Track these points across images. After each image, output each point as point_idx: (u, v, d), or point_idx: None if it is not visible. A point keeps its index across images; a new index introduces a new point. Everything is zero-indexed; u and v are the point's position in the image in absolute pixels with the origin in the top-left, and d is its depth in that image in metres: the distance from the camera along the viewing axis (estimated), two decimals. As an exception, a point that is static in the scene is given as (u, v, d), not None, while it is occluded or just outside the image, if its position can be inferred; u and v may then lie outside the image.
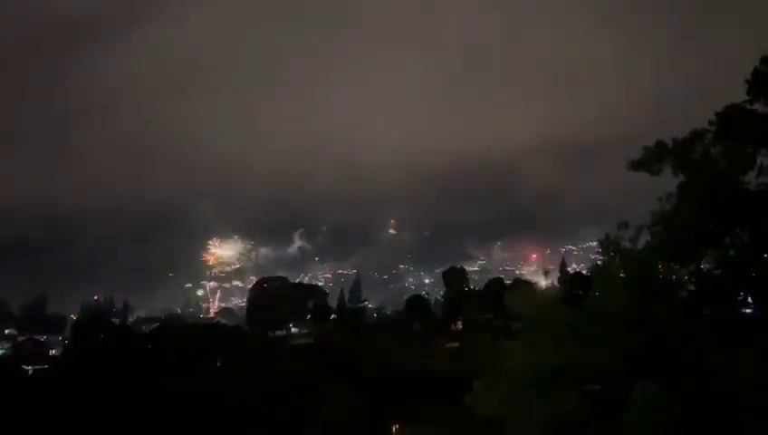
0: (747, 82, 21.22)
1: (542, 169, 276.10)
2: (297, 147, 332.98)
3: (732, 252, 21.67)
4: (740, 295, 22.79)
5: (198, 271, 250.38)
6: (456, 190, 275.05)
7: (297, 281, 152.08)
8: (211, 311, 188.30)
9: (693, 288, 22.22)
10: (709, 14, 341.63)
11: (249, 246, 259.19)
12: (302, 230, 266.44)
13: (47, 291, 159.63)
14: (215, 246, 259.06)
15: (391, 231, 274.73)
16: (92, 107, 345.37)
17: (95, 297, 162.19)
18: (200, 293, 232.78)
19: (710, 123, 21.56)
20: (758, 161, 20.98)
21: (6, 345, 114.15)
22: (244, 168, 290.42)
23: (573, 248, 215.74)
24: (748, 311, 23.23)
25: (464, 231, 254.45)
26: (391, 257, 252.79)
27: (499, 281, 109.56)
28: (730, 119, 21.30)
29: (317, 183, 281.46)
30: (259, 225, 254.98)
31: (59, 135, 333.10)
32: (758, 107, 20.94)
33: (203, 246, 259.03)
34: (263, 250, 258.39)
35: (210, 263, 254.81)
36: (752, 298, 22.72)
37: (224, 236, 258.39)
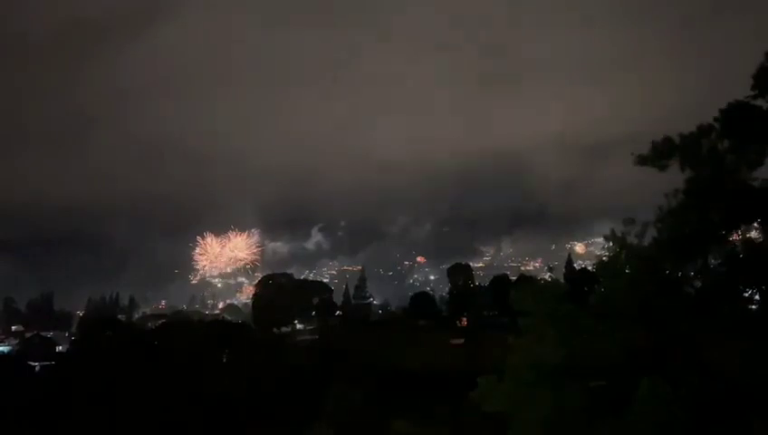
0: (753, 77, 21.07)
1: (555, 166, 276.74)
2: (312, 143, 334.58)
3: (739, 248, 21.55)
4: (747, 292, 22.68)
5: (204, 267, 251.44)
6: (467, 187, 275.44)
7: (302, 277, 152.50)
8: (216, 307, 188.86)
9: (699, 284, 22.11)
10: (720, 12, 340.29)
11: (258, 242, 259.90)
12: (320, 226, 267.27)
13: (54, 287, 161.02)
14: (222, 243, 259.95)
15: (399, 227, 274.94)
16: (111, 105, 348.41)
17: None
18: (206, 290, 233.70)
19: (715, 119, 21.44)
20: (765, 158, 20.83)
21: (14, 341, 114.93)
22: (259, 165, 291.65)
23: (579, 244, 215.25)
24: (754, 307, 23.12)
25: (472, 227, 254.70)
26: (398, 254, 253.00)
27: (504, 277, 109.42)
28: (735, 115, 21.18)
29: (331, 179, 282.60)
30: (272, 222, 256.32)
31: (73, 133, 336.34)
32: (762, 103, 20.79)
33: (209, 243, 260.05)
34: (276, 246, 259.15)
35: (216, 260, 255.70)
36: (759, 295, 22.60)
37: (235, 232, 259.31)
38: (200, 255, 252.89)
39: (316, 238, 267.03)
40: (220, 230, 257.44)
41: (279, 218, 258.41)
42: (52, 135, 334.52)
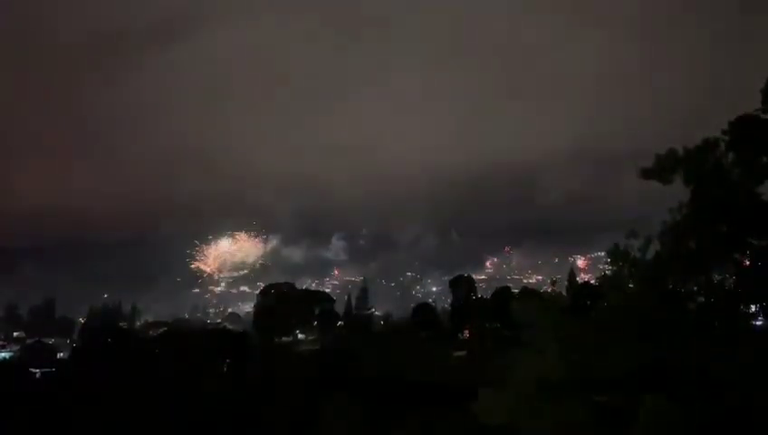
0: (762, 92, 21.05)
1: (563, 178, 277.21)
2: (329, 154, 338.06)
3: (744, 263, 21.42)
4: (751, 308, 22.53)
5: (208, 275, 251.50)
6: (475, 198, 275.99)
7: (304, 287, 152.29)
8: (218, 316, 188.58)
9: (702, 300, 21.96)
10: (738, 30, 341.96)
11: (261, 251, 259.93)
12: (339, 234, 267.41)
13: (56, 294, 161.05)
14: (226, 251, 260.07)
15: (406, 238, 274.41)
16: (130, 115, 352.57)
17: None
18: (208, 298, 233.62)
19: (723, 132, 21.38)
20: None
21: (15, 347, 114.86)
22: (274, 175, 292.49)
23: (582, 257, 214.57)
24: (759, 323, 22.98)
25: (477, 239, 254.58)
26: (401, 265, 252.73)
27: (507, 289, 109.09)
28: (743, 128, 21.12)
29: (344, 190, 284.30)
30: (286, 231, 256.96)
31: (89, 142, 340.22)
32: None
33: (214, 251, 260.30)
34: (287, 255, 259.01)
35: (220, 268, 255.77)
36: (763, 310, 22.45)
37: (244, 240, 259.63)
38: (207, 260, 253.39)
39: (335, 247, 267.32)
40: (230, 238, 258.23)
41: (291, 228, 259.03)
42: (68, 142, 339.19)
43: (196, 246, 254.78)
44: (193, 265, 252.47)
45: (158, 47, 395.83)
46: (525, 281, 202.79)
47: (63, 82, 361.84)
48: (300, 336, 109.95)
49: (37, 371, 75.92)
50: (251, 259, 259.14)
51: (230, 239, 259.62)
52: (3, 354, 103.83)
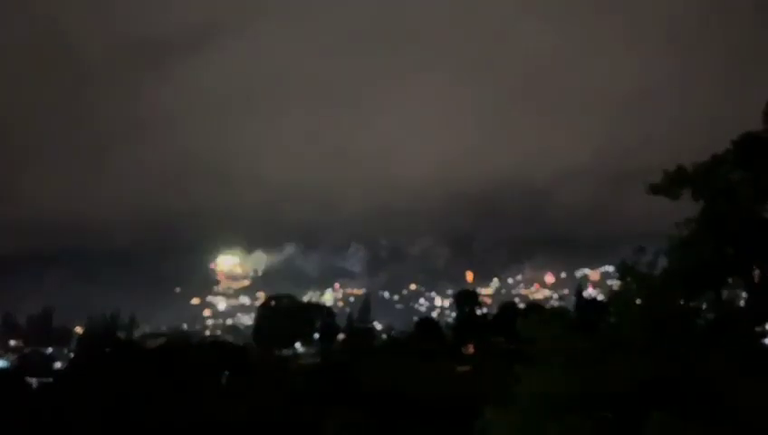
0: (764, 113, 21.08)
1: (575, 193, 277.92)
2: (342, 164, 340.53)
3: (752, 281, 21.20)
4: (760, 326, 22.28)
5: (207, 287, 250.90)
6: (487, 212, 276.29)
7: (306, 299, 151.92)
8: (218, 327, 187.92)
9: (711, 317, 21.72)
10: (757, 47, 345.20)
11: (263, 262, 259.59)
12: (356, 245, 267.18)
13: (54, 303, 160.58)
14: (226, 262, 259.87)
15: (416, 251, 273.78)
16: (141, 126, 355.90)
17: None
18: (207, 309, 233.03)
19: (728, 151, 21.35)
20: None
21: (11, 357, 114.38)
22: (285, 185, 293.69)
23: (591, 272, 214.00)
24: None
25: (487, 253, 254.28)
26: (406, 278, 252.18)
27: (512, 304, 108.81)
28: (747, 147, 21.11)
29: (351, 201, 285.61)
30: (294, 241, 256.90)
31: (94, 153, 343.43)
32: None
33: (215, 262, 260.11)
34: (291, 266, 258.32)
35: (220, 278, 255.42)
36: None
37: (247, 250, 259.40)
38: (209, 274, 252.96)
39: (352, 257, 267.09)
40: (227, 249, 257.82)
41: (300, 239, 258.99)
42: (77, 150, 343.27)
43: (199, 256, 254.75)
44: (199, 276, 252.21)
45: (175, 58, 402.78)
46: (531, 296, 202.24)
47: (78, 91, 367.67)
48: (300, 349, 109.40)
49: (33, 380, 75.45)
50: (255, 270, 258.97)
51: (235, 251, 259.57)
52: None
